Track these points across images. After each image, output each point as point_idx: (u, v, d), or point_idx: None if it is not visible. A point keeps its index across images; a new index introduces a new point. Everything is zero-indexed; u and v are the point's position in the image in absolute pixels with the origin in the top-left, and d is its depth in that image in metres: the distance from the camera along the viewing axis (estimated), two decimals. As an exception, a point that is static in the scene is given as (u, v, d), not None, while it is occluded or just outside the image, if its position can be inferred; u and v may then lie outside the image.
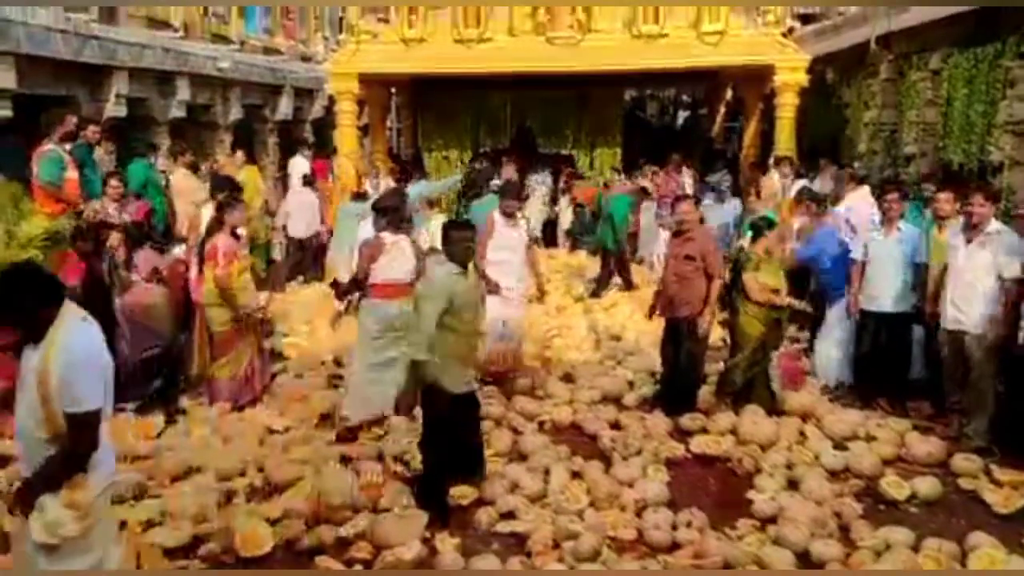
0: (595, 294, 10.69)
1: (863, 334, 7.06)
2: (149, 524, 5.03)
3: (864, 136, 12.07)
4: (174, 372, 7.44)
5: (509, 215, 7.52)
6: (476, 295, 5.34)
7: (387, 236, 6.58)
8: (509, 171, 12.80)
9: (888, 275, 6.84)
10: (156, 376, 7.30)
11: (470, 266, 5.32)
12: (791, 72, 12.09)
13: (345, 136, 13.20)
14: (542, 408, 6.96)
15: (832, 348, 7.53)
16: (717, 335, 8.22)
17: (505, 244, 7.48)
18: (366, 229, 7.42)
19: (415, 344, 4.99)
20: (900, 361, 6.96)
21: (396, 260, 6.52)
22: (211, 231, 6.94)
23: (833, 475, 5.74)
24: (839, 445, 6.16)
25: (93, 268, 7.02)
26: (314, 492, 5.36)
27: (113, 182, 8.19)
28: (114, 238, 7.32)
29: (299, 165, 13.56)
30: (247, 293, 7.02)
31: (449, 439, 5.22)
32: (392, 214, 6.70)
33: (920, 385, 7.06)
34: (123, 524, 4.84)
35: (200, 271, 6.99)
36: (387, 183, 12.45)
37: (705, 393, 7.10)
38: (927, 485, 5.49)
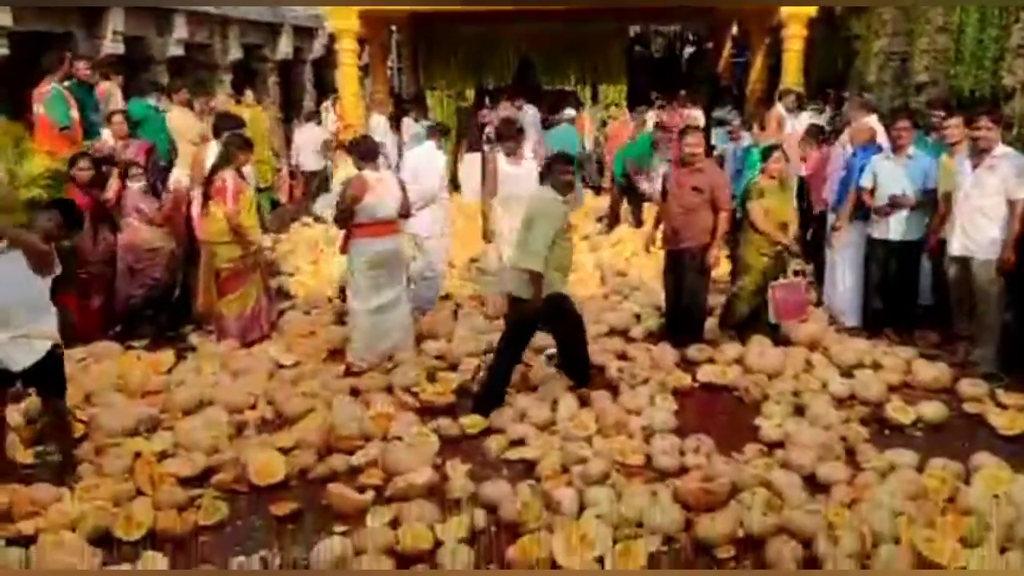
0: (610, 228, 10.72)
1: (871, 263, 7.03)
2: (163, 455, 5.09)
3: (873, 66, 11.85)
4: (179, 309, 7.46)
5: (511, 154, 7.43)
6: (568, 219, 5.89)
7: (370, 174, 6.48)
8: (507, 109, 12.65)
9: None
10: (160, 313, 7.31)
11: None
12: (798, 3, 11.83)
13: (346, 76, 13.01)
14: (550, 341, 6.97)
15: (841, 282, 7.50)
16: (723, 269, 8.22)
17: (511, 184, 7.41)
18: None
19: (532, 255, 5.51)
20: (908, 290, 6.94)
21: (382, 197, 6.43)
22: (217, 168, 6.89)
23: (839, 402, 5.77)
24: (846, 373, 6.18)
25: (97, 201, 7.01)
26: (325, 423, 5.42)
27: (116, 118, 8.11)
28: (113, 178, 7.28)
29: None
30: (255, 230, 7.02)
31: (520, 351, 5.98)
32: (368, 152, 6.58)
33: (927, 314, 7.07)
34: (137, 455, 4.95)
35: (204, 209, 6.96)
36: (382, 121, 12.39)
37: (711, 325, 7.13)
38: (932, 409, 5.52)
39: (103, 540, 4.29)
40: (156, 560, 4.06)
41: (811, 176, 8.43)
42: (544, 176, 5.89)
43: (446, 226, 8.26)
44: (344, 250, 6.67)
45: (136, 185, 7.21)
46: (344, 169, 7.88)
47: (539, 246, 5.51)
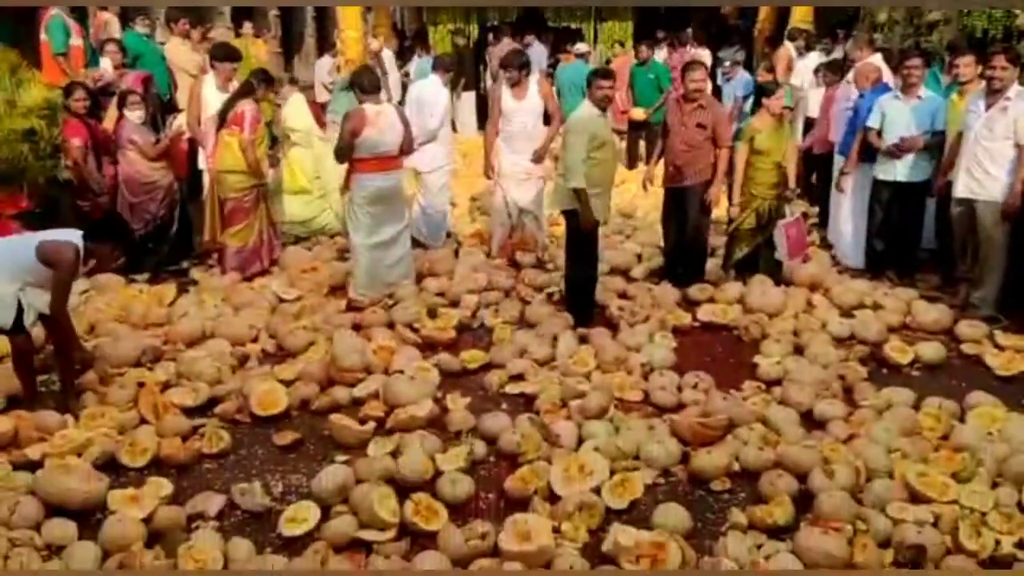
0: (629, 167, 10.65)
1: (875, 205, 6.99)
2: (166, 386, 5.14)
3: (885, 5, 11.62)
4: (180, 243, 7.43)
5: (516, 84, 7.33)
6: (610, 133, 6.15)
7: (370, 107, 6.37)
8: (506, 42, 12.45)
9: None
10: (160, 247, 7.28)
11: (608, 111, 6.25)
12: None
13: (348, 10, 12.75)
14: (551, 280, 6.99)
15: (845, 225, 7.47)
16: (723, 208, 8.18)
17: (515, 118, 7.33)
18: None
19: (570, 171, 5.77)
20: (911, 232, 6.92)
21: (383, 131, 6.34)
22: (237, 98, 6.86)
23: (839, 342, 5.79)
24: (846, 314, 6.20)
25: (94, 130, 6.95)
26: (326, 356, 5.46)
27: (110, 47, 7.99)
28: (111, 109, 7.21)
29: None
30: (265, 163, 7.00)
31: (591, 257, 6.25)
32: (369, 86, 6.47)
33: (930, 257, 7.06)
34: (141, 385, 5.00)
35: (217, 137, 6.91)
36: (388, 54, 12.20)
37: (713, 265, 7.12)
38: (931, 349, 5.55)
39: (109, 466, 4.35)
40: (162, 485, 4.12)
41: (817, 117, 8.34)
42: (587, 92, 6.03)
43: (448, 162, 8.19)
44: (347, 186, 6.63)
45: (133, 115, 7.10)
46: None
47: (573, 161, 5.73)
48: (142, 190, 7.12)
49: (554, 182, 6.35)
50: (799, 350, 5.66)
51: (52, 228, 7.02)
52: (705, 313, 6.31)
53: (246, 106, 6.82)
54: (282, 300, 6.55)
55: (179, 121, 7.56)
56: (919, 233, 6.99)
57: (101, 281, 6.71)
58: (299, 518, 3.92)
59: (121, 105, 7.13)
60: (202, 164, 7.72)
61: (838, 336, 5.86)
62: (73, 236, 4.70)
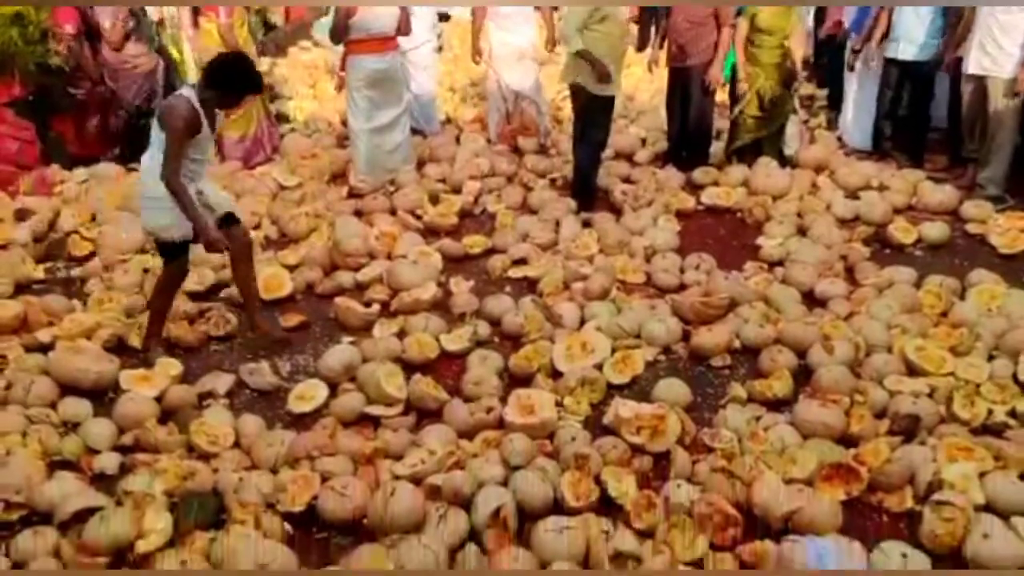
0: (639, 50, 10.36)
1: (885, 86, 6.83)
2: (171, 272, 5.16)
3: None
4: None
5: None
6: (617, 10, 5.84)
7: None
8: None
9: (919, 16, 6.49)
10: (141, 122, 7.08)
11: None
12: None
13: None
14: (553, 165, 6.93)
15: (855, 106, 7.32)
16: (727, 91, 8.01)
17: None
18: None
19: (567, 38, 5.74)
20: (921, 112, 6.79)
21: (376, 11, 6.11)
22: None
23: (843, 223, 5.77)
24: (851, 195, 6.14)
25: (86, 15, 6.75)
26: (329, 241, 5.46)
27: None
28: None
29: None
30: (248, 47, 6.80)
31: (601, 138, 6.18)
32: None
33: (940, 137, 6.95)
34: (146, 271, 5.02)
35: (195, 24, 6.73)
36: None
37: (717, 148, 7.03)
38: (935, 229, 5.52)
39: (118, 349, 4.43)
40: (172, 365, 4.19)
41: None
42: None
43: (430, 37, 7.88)
44: (342, 69, 6.48)
45: None
46: None
47: (569, 27, 5.63)
48: (120, 75, 6.92)
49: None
50: (802, 232, 5.64)
51: (47, 116, 6.97)
52: (709, 196, 6.26)
53: None
54: (283, 187, 6.52)
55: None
56: (928, 113, 6.85)
57: (100, 170, 6.67)
58: (307, 396, 4.01)
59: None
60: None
61: (842, 217, 5.83)
62: (185, 91, 4.08)
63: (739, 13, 6.47)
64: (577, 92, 5.93)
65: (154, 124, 4.02)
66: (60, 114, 6.97)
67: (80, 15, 6.71)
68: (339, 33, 6.15)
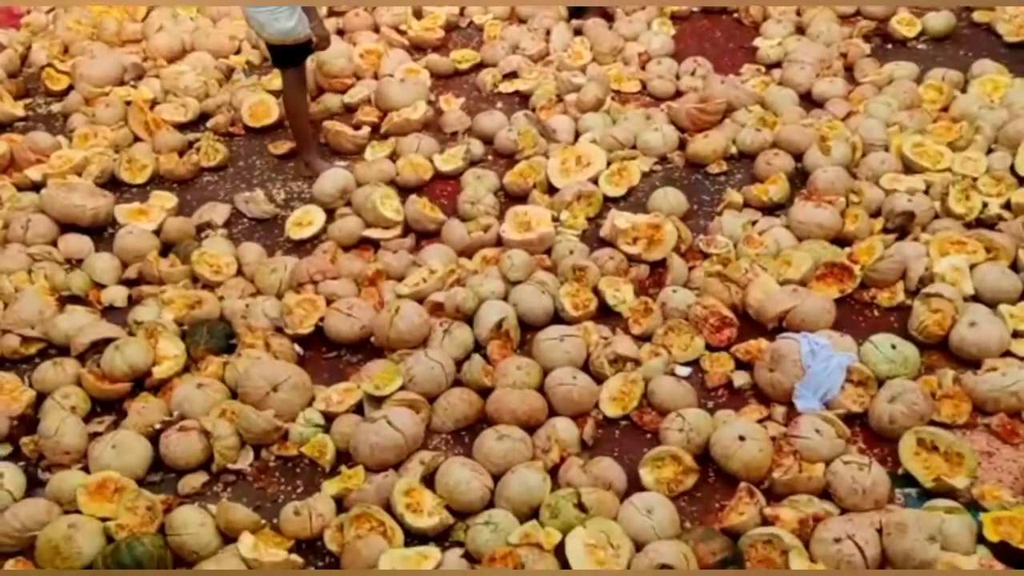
0: None
1: None
2: (154, 103, 5.03)
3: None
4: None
5: None
6: None
7: None
8: None
9: None
10: None
11: None
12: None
13: None
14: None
15: None
16: None
17: None
18: None
19: None
20: None
21: None
22: None
23: (844, 19, 5.54)
24: (853, -12, 5.86)
25: None
26: (312, 63, 5.27)
27: None
28: None
29: None
30: None
31: None
32: None
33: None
34: (129, 103, 4.89)
35: None
36: None
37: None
38: (939, 20, 5.30)
39: (110, 184, 4.40)
40: (167, 198, 4.18)
41: None
42: None
43: None
44: None
45: None
46: None
47: None
48: None
49: None
50: (801, 30, 5.43)
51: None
52: (704, -6, 5.98)
53: None
54: (260, 8, 6.20)
55: None
56: None
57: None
58: (305, 221, 4.03)
59: None
60: None
61: (843, 13, 5.59)
62: None
63: None
64: None
65: None
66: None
67: None
68: None
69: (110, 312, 3.61)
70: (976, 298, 3.30)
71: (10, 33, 5.84)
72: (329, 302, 3.46)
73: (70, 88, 5.24)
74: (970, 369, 3.05)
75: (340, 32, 5.77)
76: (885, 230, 3.67)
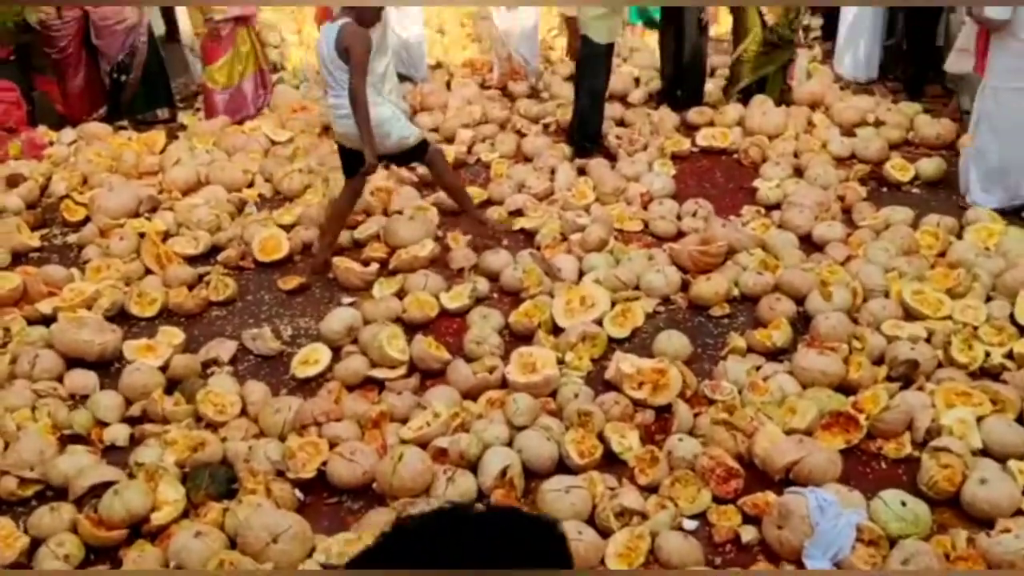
0: None
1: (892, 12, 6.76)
2: (166, 235, 5.14)
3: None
4: (154, 86, 7.12)
5: None
6: None
7: None
8: None
9: None
10: (118, 92, 6.99)
11: None
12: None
13: None
14: (545, 110, 6.84)
15: (856, 37, 7.21)
16: (724, 28, 7.89)
17: None
18: None
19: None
20: (925, 40, 6.68)
21: None
22: None
23: (839, 161, 5.74)
24: (847, 132, 6.10)
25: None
26: (324, 199, 5.43)
27: None
28: None
29: None
30: None
31: (602, 84, 6.03)
32: None
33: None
34: (141, 235, 5.00)
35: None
36: None
37: (713, 86, 6.94)
38: (931, 166, 5.50)
39: (119, 317, 4.44)
40: (174, 334, 4.21)
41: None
42: None
43: None
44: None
45: None
46: None
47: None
48: (103, 31, 6.76)
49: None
50: (799, 172, 5.61)
51: (31, 77, 6.84)
52: (704, 137, 6.21)
53: None
54: (274, 142, 6.44)
55: None
56: (933, 42, 6.72)
57: (88, 130, 6.58)
58: (311, 360, 4.04)
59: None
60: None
61: (838, 155, 5.80)
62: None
63: None
64: (583, 41, 5.84)
65: (329, 63, 4.41)
66: (44, 74, 6.86)
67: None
68: None
69: (111, 451, 3.58)
70: (984, 452, 3.27)
71: (32, 164, 6.03)
72: (332, 445, 3.43)
73: (87, 219, 5.37)
74: (982, 528, 3.00)
75: (351, 167, 5.96)
76: (889, 378, 3.68)
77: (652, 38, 8.19)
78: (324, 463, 3.36)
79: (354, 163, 4.65)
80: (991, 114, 5.04)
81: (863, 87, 7.00)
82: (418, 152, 4.79)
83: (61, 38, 6.65)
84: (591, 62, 5.84)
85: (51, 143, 6.42)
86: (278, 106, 7.07)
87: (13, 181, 5.70)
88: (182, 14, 7.00)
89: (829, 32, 8.10)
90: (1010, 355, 3.75)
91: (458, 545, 1.05)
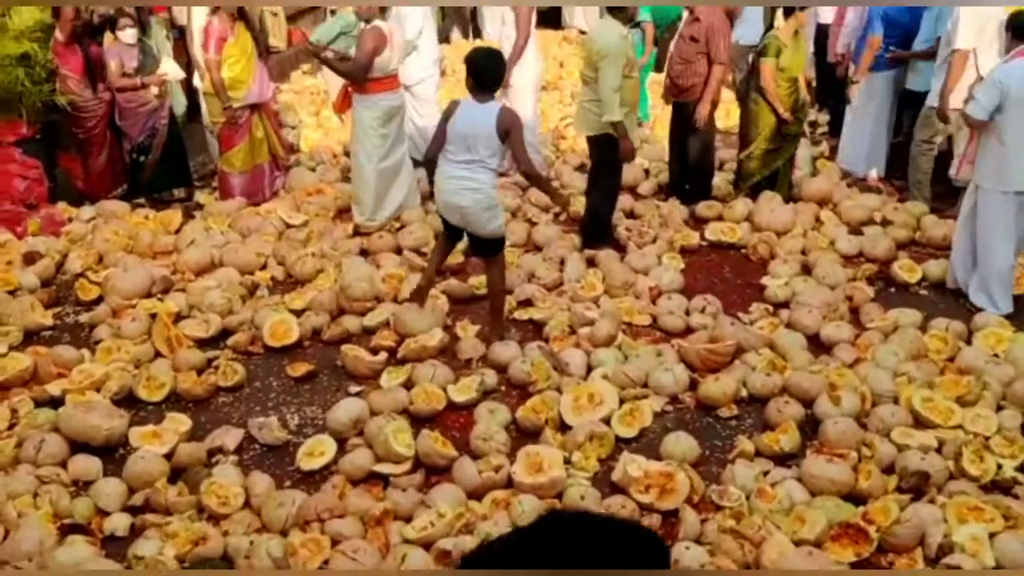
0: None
1: (904, 116, 6.92)
2: (178, 317, 5.18)
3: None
4: (172, 167, 7.26)
5: None
6: (633, 47, 5.92)
7: (383, 24, 6.10)
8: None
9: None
10: (137, 172, 7.09)
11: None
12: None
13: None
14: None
15: (861, 134, 7.34)
16: (733, 120, 8.04)
17: (507, 22, 7.12)
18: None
19: (608, 104, 5.55)
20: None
21: (394, 51, 6.15)
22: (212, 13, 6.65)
23: (847, 259, 5.79)
24: (855, 230, 6.16)
25: (88, 55, 6.77)
26: (336, 284, 5.48)
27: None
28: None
29: None
30: (242, 85, 6.70)
31: (617, 181, 6.12)
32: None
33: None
34: (153, 316, 5.03)
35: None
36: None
37: (721, 179, 7.04)
38: (939, 268, 5.54)
39: (127, 400, 4.45)
40: (181, 421, 4.21)
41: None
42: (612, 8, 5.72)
43: (435, 71, 7.84)
44: (343, 108, 6.50)
45: (125, 35, 6.81)
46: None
47: (609, 93, 5.50)
48: (126, 113, 6.93)
49: (578, 105, 6.09)
50: (807, 269, 5.66)
51: (55, 154, 6.98)
52: (713, 232, 6.28)
53: (212, 21, 6.53)
54: (288, 225, 6.53)
55: (163, 68, 7.19)
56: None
57: (107, 208, 6.69)
58: (316, 452, 4.02)
59: (113, 26, 6.89)
60: (197, 83, 7.56)
61: (846, 254, 5.85)
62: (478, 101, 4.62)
63: (761, 54, 6.40)
64: (597, 141, 5.86)
65: (483, 140, 4.53)
66: (67, 152, 7.01)
67: (81, 54, 6.73)
68: (363, 73, 6.10)
69: (111, 542, 3.54)
70: (998, 568, 3.22)
71: (50, 240, 6.12)
72: (335, 542, 3.40)
73: (100, 299, 5.42)
74: (997, 653, 2.93)
75: (363, 252, 6.04)
76: (899, 489, 3.64)
77: (662, 131, 8.36)
78: (326, 561, 3.32)
79: (457, 236, 4.98)
80: (974, 213, 5.17)
81: (864, 183, 7.11)
82: (496, 247, 4.87)
83: (90, 118, 6.81)
84: (608, 159, 5.89)
85: (70, 219, 6.52)
86: (294, 188, 7.19)
87: (30, 258, 5.78)
88: (203, 98, 7.17)
89: (835, 129, 8.25)
90: (1022, 468, 3.71)
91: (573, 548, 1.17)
